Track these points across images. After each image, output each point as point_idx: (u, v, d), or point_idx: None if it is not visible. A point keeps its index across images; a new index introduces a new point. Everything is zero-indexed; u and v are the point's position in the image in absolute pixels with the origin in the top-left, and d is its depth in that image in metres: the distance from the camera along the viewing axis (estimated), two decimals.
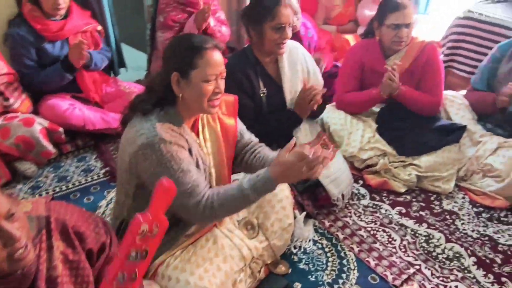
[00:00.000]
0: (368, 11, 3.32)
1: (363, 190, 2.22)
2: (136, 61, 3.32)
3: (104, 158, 2.43)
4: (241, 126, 1.67)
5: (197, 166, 1.42)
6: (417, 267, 1.79)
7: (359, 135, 2.28)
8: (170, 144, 1.31)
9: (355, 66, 2.31)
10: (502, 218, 2.07)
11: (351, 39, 3.31)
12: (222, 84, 1.40)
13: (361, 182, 2.27)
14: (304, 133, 2.07)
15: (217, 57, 1.36)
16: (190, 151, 1.39)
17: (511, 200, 2.11)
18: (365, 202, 2.15)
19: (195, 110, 1.43)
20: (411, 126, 2.24)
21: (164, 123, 1.34)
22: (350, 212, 2.08)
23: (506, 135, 2.20)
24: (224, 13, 3.07)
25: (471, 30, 2.83)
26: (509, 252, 1.89)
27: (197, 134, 1.49)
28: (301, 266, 1.79)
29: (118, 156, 1.48)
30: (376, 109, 2.39)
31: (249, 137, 1.69)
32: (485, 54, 2.57)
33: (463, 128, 2.22)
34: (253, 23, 1.87)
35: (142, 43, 3.15)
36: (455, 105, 2.35)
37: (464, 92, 2.51)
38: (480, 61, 2.61)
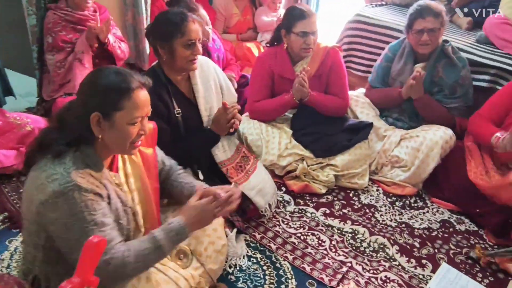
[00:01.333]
0: (266, 17, 3.41)
1: (287, 197, 2.25)
2: (24, 87, 2.97)
3: (0, 203, 2.12)
4: (161, 154, 1.58)
5: (117, 214, 1.30)
6: (349, 264, 1.86)
7: (276, 142, 2.31)
8: (86, 192, 1.17)
9: (265, 74, 2.33)
10: (413, 204, 2.25)
11: (252, 46, 3.36)
12: (146, 124, 1.32)
13: (284, 189, 2.30)
14: (222, 150, 2.02)
15: (144, 97, 1.27)
16: (109, 197, 1.27)
17: (418, 186, 2.31)
18: (290, 208, 2.18)
19: (115, 151, 1.32)
20: (324, 129, 2.33)
21: (80, 166, 1.20)
22: (278, 221, 2.09)
23: (406, 127, 2.41)
24: (119, 29, 2.90)
25: (362, 32, 3.04)
26: (424, 236, 2.06)
27: (117, 171, 1.37)
28: (240, 285, 1.74)
29: (23, 206, 1.28)
30: (289, 114, 2.44)
31: (170, 163, 1.61)
32: (377, 54, 2.79)
33: (370, 125, 2.37)
34: (161, 41, 1.77)
35: (29, 67, 2.82)
36: (359, 104, 2.50)
37: (363, 90, 2.69)
38: (373, 60, 2.83)
